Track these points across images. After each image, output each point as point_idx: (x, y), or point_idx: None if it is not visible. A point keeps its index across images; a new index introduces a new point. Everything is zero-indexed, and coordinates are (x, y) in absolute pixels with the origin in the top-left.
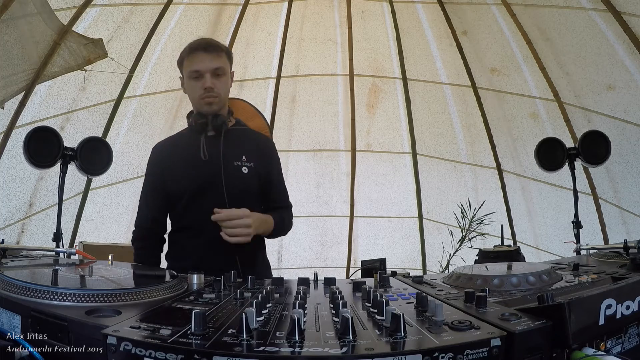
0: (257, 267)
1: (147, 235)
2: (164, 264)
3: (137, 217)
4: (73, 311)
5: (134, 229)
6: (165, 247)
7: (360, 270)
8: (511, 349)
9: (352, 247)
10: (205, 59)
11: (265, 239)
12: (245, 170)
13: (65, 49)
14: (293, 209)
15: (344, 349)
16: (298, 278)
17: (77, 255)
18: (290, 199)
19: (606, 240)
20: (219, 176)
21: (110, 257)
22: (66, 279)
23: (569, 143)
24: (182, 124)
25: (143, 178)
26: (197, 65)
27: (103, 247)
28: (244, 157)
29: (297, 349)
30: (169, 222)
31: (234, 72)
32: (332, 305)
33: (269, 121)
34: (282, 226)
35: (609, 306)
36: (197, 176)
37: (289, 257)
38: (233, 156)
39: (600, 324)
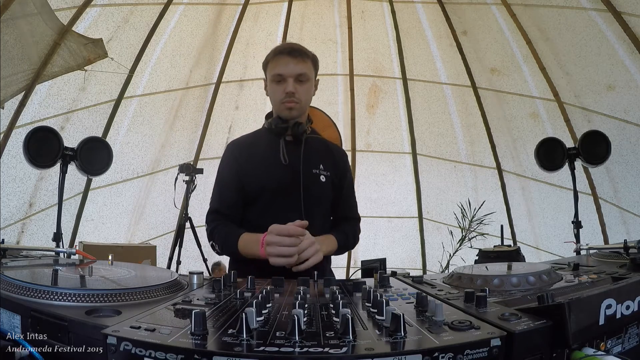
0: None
1: (223, 221)
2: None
3: (209, 212)
4: (73, 311)
5: (206, 226)
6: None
7: (360, 270)
8: (511, 349)
9: None
10: (290, 64)
11: None
12: (323, 178)
13: (65, 49)
14: None
15: (344, 349)
16: (298, 278)
17: (77, 255)
18: None
19: (606, 240)
20: (297, 181)
21: (110, 257)
22: (66, 279)
23: (569, 143)
24: (182, 124)
25: (146, 177)
26: (280, 69)
27: (103, 247)
28: (321, 166)
29: (297, 349)
30: None
31: (318, 79)
32: (332, 305)
33: None
34: (346, 243)
35: (609, 306)
36: (274, 179)
37: None
38: (312, 163)
39: (600, 324)
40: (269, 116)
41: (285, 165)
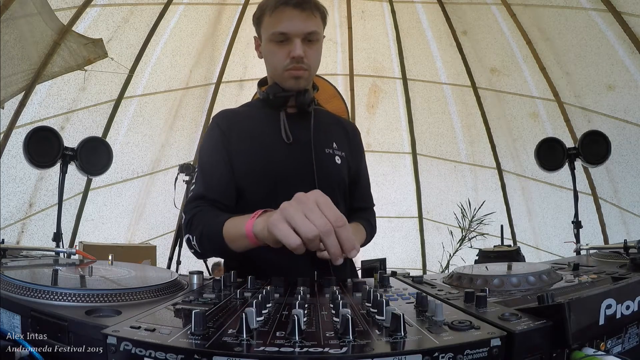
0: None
1: (208, 207)
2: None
3: (189, 201)
4: (73, 311)
5: (183, 218)
6: None
7: (360, 270)
8: (511, 349)
9: None
10: (296, 19)
11: None
12: (338, 160)
13: (65, 49)
14: None
15: (344, 349)
16: (298, 278)
17: (77, 255)
18: None
19: (606, 240)
20: (307, 164)
21: (110, 257)
22: (66, 279)
23: (569, 143)
24: (182, 124)
25: (146, 177)
26: (285, 26)
27: (103, 247)
28: (334, 144)
29: (297, 349)
30: None
31: (324, 36)
32: (332, 305)
33: None
34: (372, 233)
35: (609, 306)
36: (276, 162)
37: None
38: (323, 141)
39: (600, 324)
40: (262, 84)
41: (288, 144)
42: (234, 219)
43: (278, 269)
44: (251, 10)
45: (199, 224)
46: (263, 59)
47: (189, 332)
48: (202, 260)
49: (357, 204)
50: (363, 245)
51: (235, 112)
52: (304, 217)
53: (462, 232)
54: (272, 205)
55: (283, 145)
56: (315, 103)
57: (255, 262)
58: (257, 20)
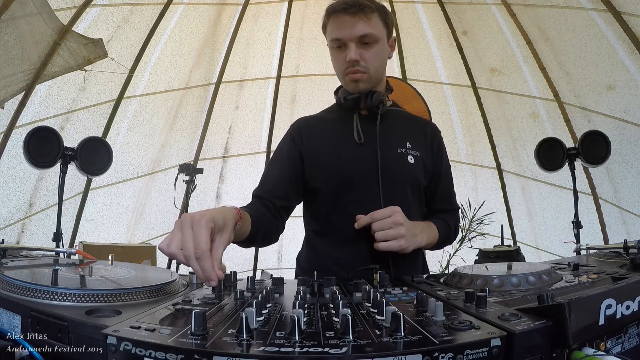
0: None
1: (253, 205)
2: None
3: (252, 198)
4: (73, 311)
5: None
6: (290, 246)
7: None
8: (511, 349)
9: None
10: (347, 23)
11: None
12: (411, 159)
13: (65, 49)
14: (295, 209)
15: (344, 349)
16: (298, 278)
17: (77, 255)
18: None
19: (606, 240)
20: (376, 164)
21: (110, 257)
22: (66, 279)
23: (569, 143)
24: (182, 124)
25: (146, 177)
26: (338, 32)
27: (103, 247)
28: (408, 144)
29: (297, 349)
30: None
31: (394, 37)
32: (332, 305)
33: (268, 121)
34: (448, 235)
35: (609, 306)
36: (346, 162)
37: (289, 257)
38: (396, 141)
39: (600, 324)
40: (338, 90)
41: (360, 144)
42: None
43: (340, 264)
44: (251, 10)
45: None
46: (332, 66)
47: (189, 332)
48: None
49: (438, 206)
50: (438, 247)
51: (309, 118)
52: (178, 234)
53: (462, 232)
54: (343, 202)
55: (353, 146)
56: (384, 104)
57: (321, 258)
58: (323, 29)
